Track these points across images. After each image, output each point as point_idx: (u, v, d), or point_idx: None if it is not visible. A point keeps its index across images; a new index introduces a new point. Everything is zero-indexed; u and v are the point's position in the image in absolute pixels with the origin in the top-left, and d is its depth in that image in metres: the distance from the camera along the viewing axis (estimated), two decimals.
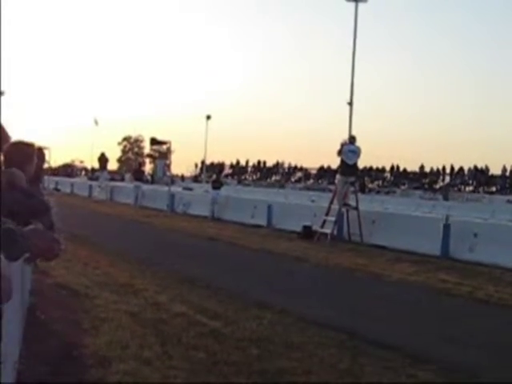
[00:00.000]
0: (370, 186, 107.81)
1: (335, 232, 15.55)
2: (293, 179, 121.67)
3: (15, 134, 3.97)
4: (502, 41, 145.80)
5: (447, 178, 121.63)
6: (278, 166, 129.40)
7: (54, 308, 6.52)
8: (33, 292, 6.78)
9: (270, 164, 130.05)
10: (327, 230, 15.44)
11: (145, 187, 30.31)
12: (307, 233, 15.66)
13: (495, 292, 9.08)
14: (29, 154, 3.45)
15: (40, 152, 4.90)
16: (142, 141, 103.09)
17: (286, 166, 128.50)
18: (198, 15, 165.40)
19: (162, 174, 40.84)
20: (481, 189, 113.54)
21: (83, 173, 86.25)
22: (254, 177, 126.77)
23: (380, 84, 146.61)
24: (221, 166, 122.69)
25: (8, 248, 1.92)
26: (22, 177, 2.93)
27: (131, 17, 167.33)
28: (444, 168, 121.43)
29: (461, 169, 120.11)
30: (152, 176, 62.22)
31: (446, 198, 73.58)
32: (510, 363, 5.73)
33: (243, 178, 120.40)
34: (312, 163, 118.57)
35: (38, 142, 4.95)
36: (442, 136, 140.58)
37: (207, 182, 50.67)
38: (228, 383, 4.63)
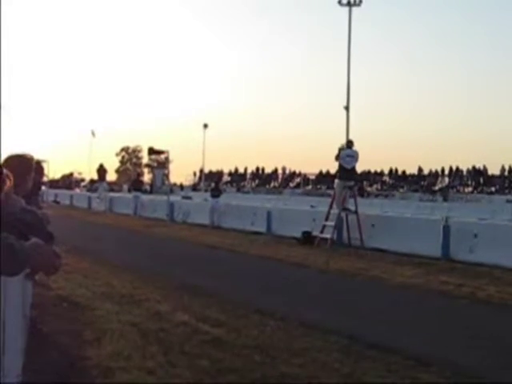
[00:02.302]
0: (369, 189, 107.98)
1: (335, 237, 15.55)
2: (291, 185, 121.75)
3: (13, 147, 3.99)
4: (498, 41, 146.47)
5: (446, 180, 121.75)
6: (276, 172, 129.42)
7: (55, 320, 6.52)
8: (34, 305, 6.78)
9: (268, 170, 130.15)
10: (327, 235, 15.44)
11: (144, 197, 30.31)
12: (307, 238, 15.66)
13: (496, 292, 9.08)
14: (28, 167, 3.47)
15: (38, 165, 4.91)
16: (140, 151, 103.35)
17: (286, 171, 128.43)
18: (192, 24, 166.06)
19: (161, 184, 40.89)
20: (480, 189, 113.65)
21: (82, 184, 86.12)
22: (253, 184, 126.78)
23: (376, 87, 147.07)
24: (219, 173, 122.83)
25: (8, 263, 1.93)
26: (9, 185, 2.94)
27: (127, 28, 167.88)
28: (443, 169, 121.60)
29: (458, 169, 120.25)
30: (151, 186, 62.22)
31: (445, 200, 73.69)
32: None
33: (242, 185, 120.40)
34: (310, 169, 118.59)
35: (35, 154, 4.97)
36: (439, 137, 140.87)
37: (206, 190, 50.68)
38: None
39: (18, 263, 1.98)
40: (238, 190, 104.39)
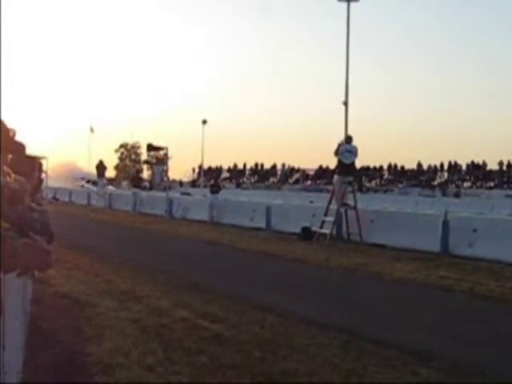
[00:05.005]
0: (368, 185, 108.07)
1: (334, 232, 15.56)
2: (290, 181, 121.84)
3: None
4: (499, 38, 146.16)
5: (445, 175, 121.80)
6: (275, 168, 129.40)
7: (55, 317, 6.52)
8: (34, 301, 6.78)
9: (267, 166, 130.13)
10: (326, 231, 15.45)
11: (143, 193, 30.30)
12: (306, 234, 15.67)
13: (496, 287, 9.09)
14: (31, 167, 3.47)
15: (38, 163, 4.89)
16: (138, 147, 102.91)
17: (285, 167, 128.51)
18: (190, 20, 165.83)
19: (160, 180, 40.86)
20: (479, 184, 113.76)
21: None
22: (252, 180, 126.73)
23: (375, 83, 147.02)
24: (218, 170, 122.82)
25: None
26: (29, 188, 2.94)
27: (125, 25, 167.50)
28: (442, 164, 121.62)
29: (456, 164, 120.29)
30: (150, 182, 62.15)
31: (444, 195, 73.80)
32: None
33: (241, 181, 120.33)
34: (310, 164, 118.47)
35: (34, 151, 4.96)
36: (438, 133, 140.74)
37: (205, 186, 50.68)
38: None
39: (6, 262, 1.98)
40: (237, 185, 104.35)
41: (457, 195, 76.58)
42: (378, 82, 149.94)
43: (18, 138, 3.09)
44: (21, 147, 3.04)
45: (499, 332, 6.76)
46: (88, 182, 53.27)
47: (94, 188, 39.36)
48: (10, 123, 2.71)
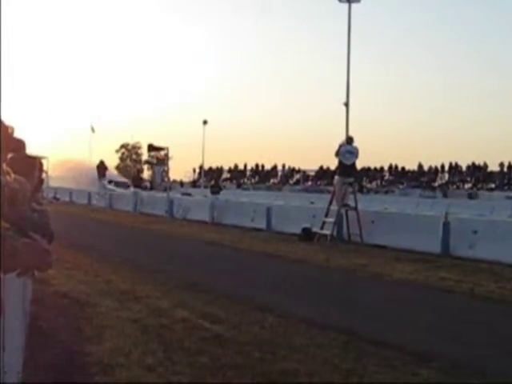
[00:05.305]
0: (369, 185, 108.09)
1: (335, 233, 15.55)
2: (291, 181, 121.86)
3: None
4: (499, 38, 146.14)
5: (446, 176, 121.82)
6: (276, 168, 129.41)
7: (55, 317, 6.52)
8: (34, 301, 6.78)
9: (268, 167, 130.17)
10: (327, 232, 15.44)
11: (144, 194, 30.31)
12: (307, 235, 15.66)
13: (496, 288, 9.09)
14: (32, 167, 3.47)
15: (38, 162, 4.90)
16: (139, 147, 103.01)
17: (285, 167, 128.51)
18: (190, 20, 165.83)
19: (161, 180, 40.93)
20: (480, 185, 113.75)
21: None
22: (253, 180, 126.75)
23: (376, 83, 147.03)
24: (219, 170, 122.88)
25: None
26: (29, 188, 2.94)
27: (126, 25, 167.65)
28: (442, 166, 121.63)
29: (457, 166, 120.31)
30: (151, 182, 62.20)
31: (445, 196, 73.79)
32: None
33: (242, 181, 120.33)
34: (310, 165, 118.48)
35: (35, 151, 4.97)
36: (439, 134, 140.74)
37: (206, 186, 50.69)
38: None
39: (6, 262, 1.98)
40: (238, 186, 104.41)
41: (471, 196, 76.23)
42: (379, 83, 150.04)
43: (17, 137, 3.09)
44: (21, 144, 3.04)
45: (499, 333, 6.75)
46: (110, 182, 46.32)
47: (120, 190, 37.70)
48: (10, 123, 2.71)
